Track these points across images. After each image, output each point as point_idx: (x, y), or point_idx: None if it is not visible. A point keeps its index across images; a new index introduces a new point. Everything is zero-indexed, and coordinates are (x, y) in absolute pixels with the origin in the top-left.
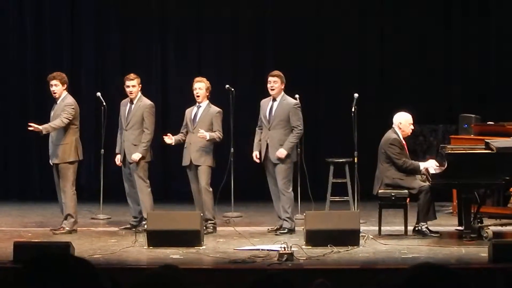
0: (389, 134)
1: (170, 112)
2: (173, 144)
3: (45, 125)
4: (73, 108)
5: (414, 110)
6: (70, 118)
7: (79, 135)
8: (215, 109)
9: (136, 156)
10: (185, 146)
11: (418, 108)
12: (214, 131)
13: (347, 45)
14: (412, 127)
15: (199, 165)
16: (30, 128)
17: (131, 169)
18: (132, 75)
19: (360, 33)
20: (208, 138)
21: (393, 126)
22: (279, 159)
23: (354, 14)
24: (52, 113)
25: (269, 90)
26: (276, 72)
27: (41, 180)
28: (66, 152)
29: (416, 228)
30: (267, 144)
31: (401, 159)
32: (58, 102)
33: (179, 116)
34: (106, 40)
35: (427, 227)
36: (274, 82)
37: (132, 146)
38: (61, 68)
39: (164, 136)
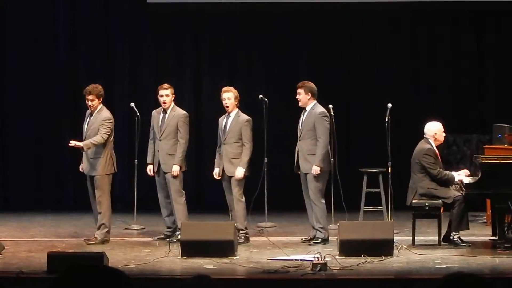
0: (423, 145)
1: (202, 122)
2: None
3: (86, 142)
4: (111, 122)
5: (448, 119)
6: (109, 133)
7: (113, 147)
8: (244, 118)
9: (176, 168)
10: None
11: (452, 118)
12: (244, 143)
13: (380, 55)
14: (444, 134)
15: (232, 176)
16: (70, 145)
17: (167, 179)
18: (166, 85)
19: (393, 42)
20: (242, 174)
21: (426, 136)
22: (315, 175)
23: (387, 26)
24: (86, 125)
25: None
26: (300, 83)
27: (75, 190)
28: (102, 164)
29: (448, 237)
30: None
31: (435, 169)
32: (93, 115)
33: (212, 125)
34: (139, 50)
35: (459, 237)
36: (298, 94)
37: (168, 156)
38: (95, 77)
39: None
